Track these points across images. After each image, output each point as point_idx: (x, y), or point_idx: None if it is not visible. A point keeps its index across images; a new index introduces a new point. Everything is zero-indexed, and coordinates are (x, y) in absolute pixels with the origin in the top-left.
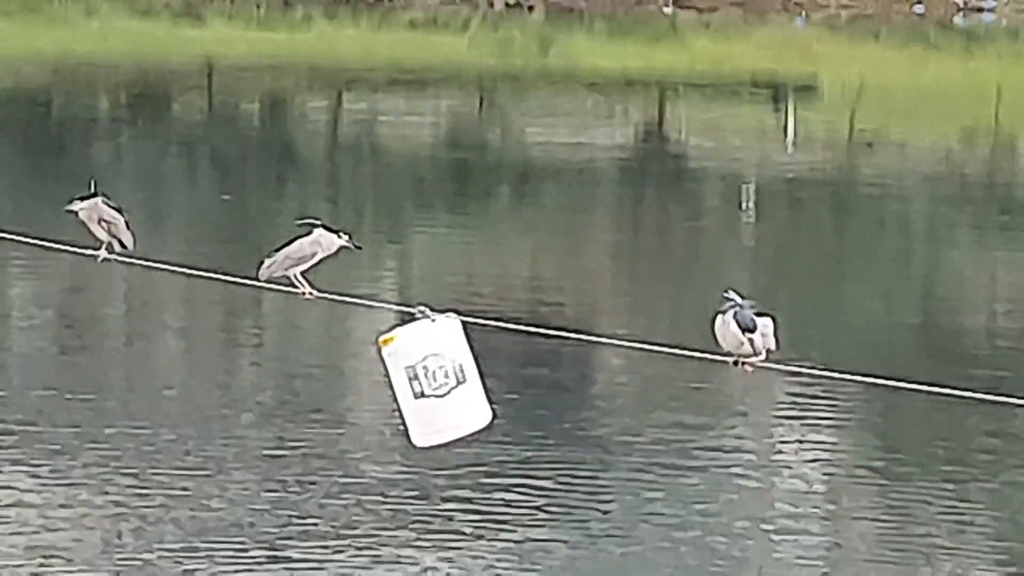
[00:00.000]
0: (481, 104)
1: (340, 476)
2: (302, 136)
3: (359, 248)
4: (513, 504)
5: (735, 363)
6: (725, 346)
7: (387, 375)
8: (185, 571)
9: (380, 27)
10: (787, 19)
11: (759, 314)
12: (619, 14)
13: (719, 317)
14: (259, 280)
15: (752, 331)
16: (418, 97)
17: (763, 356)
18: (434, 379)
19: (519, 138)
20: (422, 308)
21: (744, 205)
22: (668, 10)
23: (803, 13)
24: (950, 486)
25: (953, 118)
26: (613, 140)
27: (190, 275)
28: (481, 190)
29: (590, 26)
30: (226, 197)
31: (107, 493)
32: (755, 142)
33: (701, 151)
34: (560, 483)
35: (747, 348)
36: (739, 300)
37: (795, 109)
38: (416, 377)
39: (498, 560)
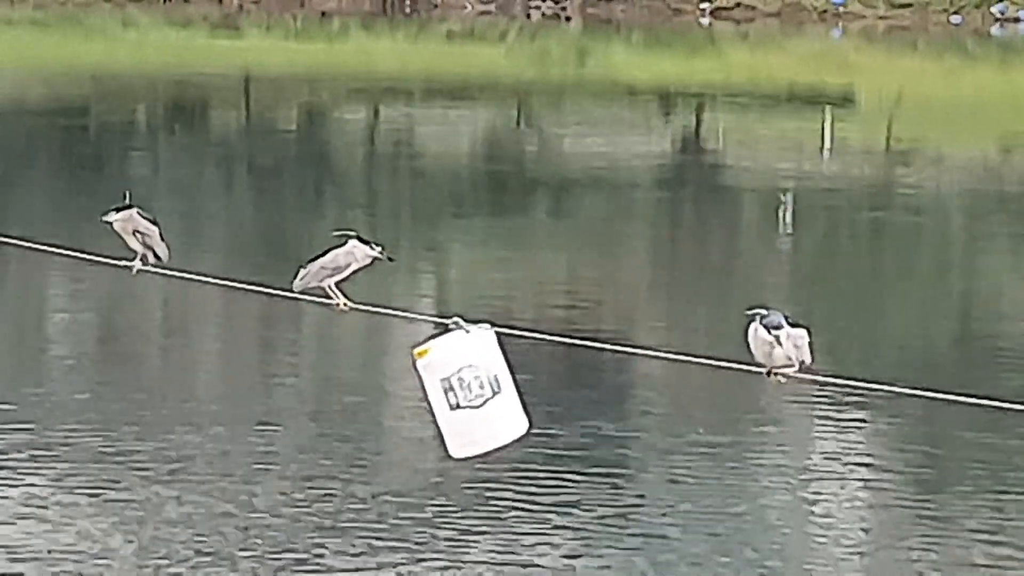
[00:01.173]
0: (518, 115)
1: (375, 487)
2: (339, 147)
3: (392, 260)
4: (548, 514)
5: (768, 373)
6: (758, 356)
7: (422, 387)
8: None
9: (417, 38)
10: (824, 30)
11: (794, 325)
12: (656, 25)
13: (749, 328)
14: (294, 291)
15: (778, 328)
16: (455, 108)
17: (796, 367)
18: (469, 390)
19: (556, 149)
20: (456, 320)
21: (781, 216)
22: (705, 21)
23: (840, 24)
24: (989, 497)
25: (991, 128)
26: (650, 151)
27: (225, 286)
28: (518, 201)
29: (627, 37)
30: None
31: (142, 500)
32: (792, 153)
33: (738, 162)
34: (596, 492)
35: (779, 352)
36: (765, 312)
37: (832, 120)
38: (451, 389)
39: (533, 568)
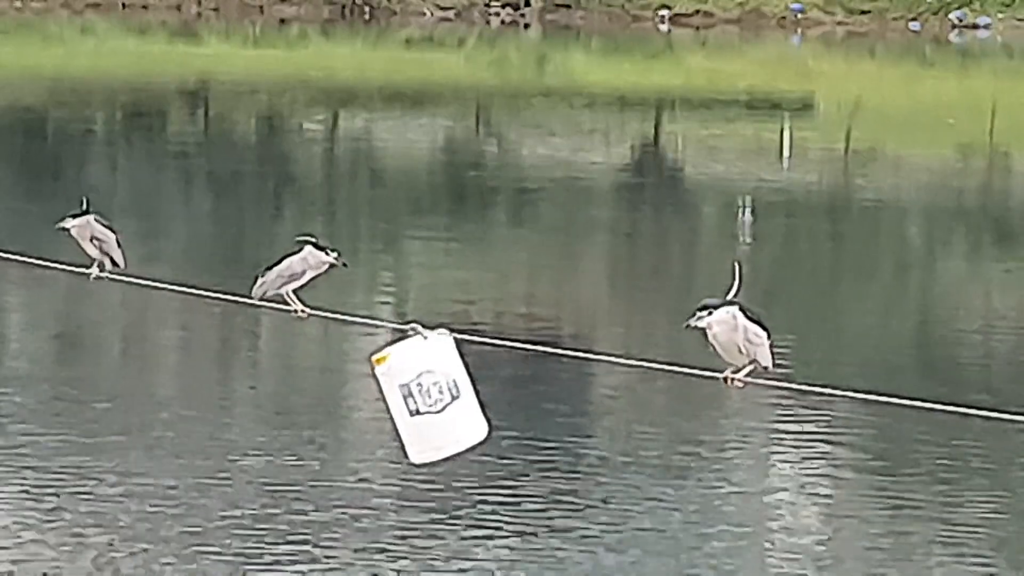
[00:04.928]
0: (477, 121)
1: (334, 493)
2: (298, 154)
3: (345, 266)
4: (506, 519)
5: (725, 380)
6: (717, 347)
7: (381, 393)
8: None
9: (376, 45)
10: (783, 37)
11: (753, 321)
12: (615, 32)
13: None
14: (251, 298)
15: (707, 308)
16: (414, 115)
17: (751, 366)
18: (429, 396)
19: (515, 155)
20: (414, 326)
21: (740, 222)
22: (664, 28)
23: (799, 31)
24: (946, 502)
25: (949, 134)
26: (609, 157)
27: (182, 293)
28: (477, 207)
29: (586, 44)
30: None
31: (99, 512)
32: (751, 159)
33: (697, 168)
34: (555, 497)
35: (718, 339)
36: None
37: (791, 126)
38: (411, 395)
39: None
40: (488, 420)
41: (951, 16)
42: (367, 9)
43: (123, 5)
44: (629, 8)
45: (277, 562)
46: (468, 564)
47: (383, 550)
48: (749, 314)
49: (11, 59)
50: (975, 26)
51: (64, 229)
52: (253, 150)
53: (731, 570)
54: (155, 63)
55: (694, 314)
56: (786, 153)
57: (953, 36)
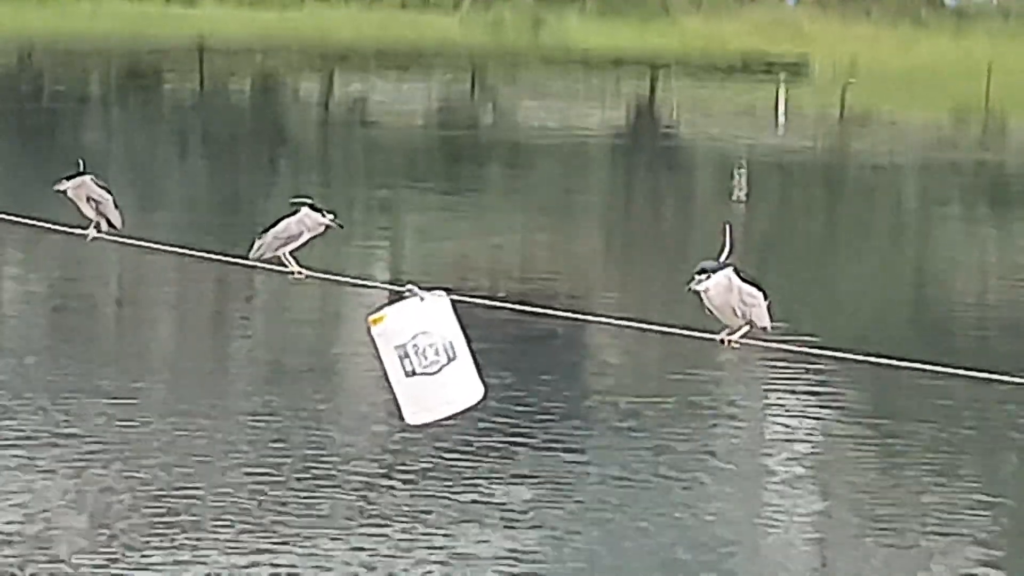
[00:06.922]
0: (473, 83)
1: (330, 453)
2: (293, 115)
3: (342, 227)
4: (501, 480)
5: (722, 341)
6: (712, 309)
7: (377, 354)
8: (173, 549)
9: (371, 6)
10: None
11: (748, 282)
12: None
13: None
14: (249, 260)
15: (705, 271)
16: (410, 76)
17: (748, 327)
18: (425, 357)
19: (510, 117)
20: (410, 287)
21: (735, 184)
22: None
23: None
24: (940, 462)
25: (944, 96)
26: (604, 120)
27: (179, 254)
28: (472, 169)
29: (582, 6)
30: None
31: (94, 471)
32: (746, 122)
33: (692, 131)
34: (550, 459)
35: (714, 301)
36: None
37: (786, 88)
38: (407, 356)
39: (483, 541)
40: (484, 382)
41: None
42: None
43: None
44: None
45: (271, 523)
46: (463, 526)
47: (376, 511)
48: (743, 275)
49: (7, 21)
50: None
51: (61, 191)
52: (248, 112)
53: (724, 532)
54: (151, 25)
55: (693, 278)
56: (781, 115)
57: None
